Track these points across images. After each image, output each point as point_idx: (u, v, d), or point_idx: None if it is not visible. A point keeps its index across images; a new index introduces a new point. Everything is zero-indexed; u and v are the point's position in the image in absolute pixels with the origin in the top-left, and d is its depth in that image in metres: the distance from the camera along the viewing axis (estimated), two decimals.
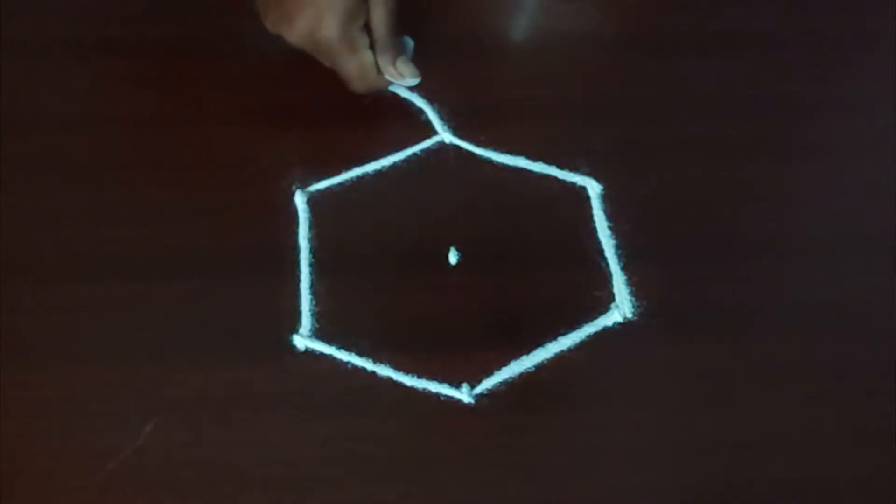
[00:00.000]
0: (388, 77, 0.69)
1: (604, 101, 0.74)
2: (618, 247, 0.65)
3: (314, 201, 0.66)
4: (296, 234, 0.64)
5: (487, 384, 0.58)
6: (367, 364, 0.58)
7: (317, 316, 0.60)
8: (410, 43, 0.72)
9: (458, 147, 0.70)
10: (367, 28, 0.67)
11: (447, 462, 0.55)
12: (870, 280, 0.65)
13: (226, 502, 0.54)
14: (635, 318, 0.62)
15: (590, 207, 0.67)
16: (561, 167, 0.69)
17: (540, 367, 0.59)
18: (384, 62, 0.69)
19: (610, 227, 0.66)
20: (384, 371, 0.58)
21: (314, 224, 0.65)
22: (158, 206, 0.65)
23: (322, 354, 0.59)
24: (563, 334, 0.60)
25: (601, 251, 0.65)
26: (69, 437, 0.55)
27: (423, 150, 0.69)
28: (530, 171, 0.69)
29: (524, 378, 0.59)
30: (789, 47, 0.79)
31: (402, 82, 0.70)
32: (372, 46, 0.68)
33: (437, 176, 0.68)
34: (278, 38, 0.67)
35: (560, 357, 0.60)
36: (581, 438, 0.58)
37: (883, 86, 0.77)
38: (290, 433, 0.56)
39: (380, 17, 0.67)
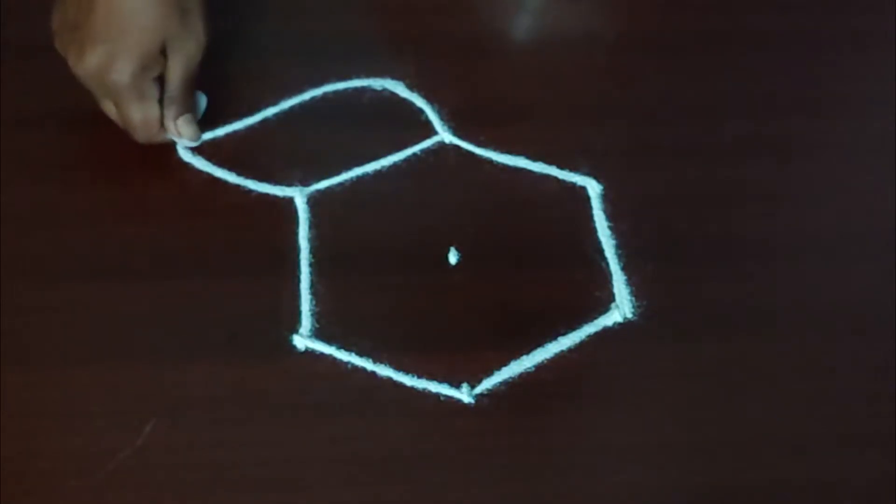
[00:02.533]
0: (168, 134, 0.66)
1: (604, 101, 0.74)
2: (618, 247, 0.65)
3: (314, 201, 0.66)
4: (296, 234, 0.64)
5: (487, 384, 0.58)
6: (367, 364, 0.58)
7: (317, 316, 0.60)
8: (203, 101, 0.68)
9: (458, 147, 0.70)
10: (161, 79, 0.64)
11: (447, 462, 0.55)
12: (870, 280, 0.65)
13: (226, 502, 0.54)
14: (635, 318, 0.62)
15: (590, 207, 0.67)
16: (561, 167, 0.69)
17: (540, 367, 0.59)
18: (168, 117, 0.65)
19: (610, 227, 0.66)
20: (384, 371, 0.58)
21: (314, 224, 0.65)
22: (159, 207, 0.65)
23: (322, 354, 0.59)
24: (563, 334, 0.60)
25: (601, 251, 0.65)
26: (69, 437, 0.55)
27: (423, 150, 0.69)
28: (530, 171, 0.69)
29: (524, 378, 0.59)
30: (789, 47, 0.79)
31: (180, 142, 0.67)
32: (161, 98, 0.65)
33: (437, 176, 0.68)
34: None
35: (560, 357, 0.60)
36: (581, 438, 0.58)
37: (883, 86, 0.77)
38: (289, 433, 0.56)
39: (176, 73, 0.64)
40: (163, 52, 0.63)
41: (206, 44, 0.64)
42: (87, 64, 0.63)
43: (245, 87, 0.72)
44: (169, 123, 0.65)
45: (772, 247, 0.66)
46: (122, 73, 0.62)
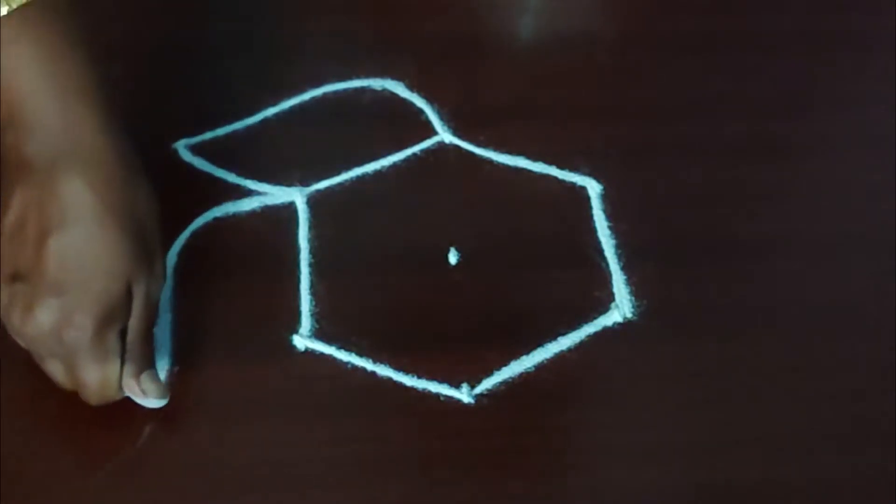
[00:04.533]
0: (128, 393, 0.55)
1: (604, 101, 0.74)
2: (618, 247, 0.65)
3: (314, 201, 0.66)
4: (296, 234, 0.64)
5: (487, 384, 0.58)
6: (367, 364, 0.58)
7: (317, 316, 0.60)
8: (168, 340, 0.59)
9: (457, 147, 0.70)
10: (123, 333, 0.54)
11: (447, 462, 0.55)
12: (870, 280, 0.65)
13: (226, 502, 0.54)
14: (635, 318, 0.62)
15: (590, 207, 0.67)
16: (561, 167, 0.69)
17: (540, 367, 0.59)
18: (127, 374, 0.54)
19: (610, 227, 0.66)
20: (384, 371, 0.58)
21: (314, 224, 0.65)
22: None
23: (322, 354, 0.59)
24: (563, 334, 0.60)
25: (601, 251, 0.65)
26: (69, 437, 0.55)
27: (423, 150, 0.69)
28: (530, 171, 0.69)
29: (524, 378, 0.59)
30: (789, 47, 0.79)
31: (145, 402, 0.55)
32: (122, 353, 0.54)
33: (437, 176, 0.68)
34: None
35: (560, 357, 0.60)
36: (581, 438, 0.58)
37: (883, 86, 0.77)
38: (289, 433, 0.56)
39: (137, 319, 0.54)
40: (128, 299, 0.53)
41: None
42: (38, 323, 0.51)
43: (245, 87, 0.72)
44: (129, 382, 0.54)
45: (772, 247, 0.66)
46: (84, 329, 0.51)
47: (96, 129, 0.52)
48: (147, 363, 0.55)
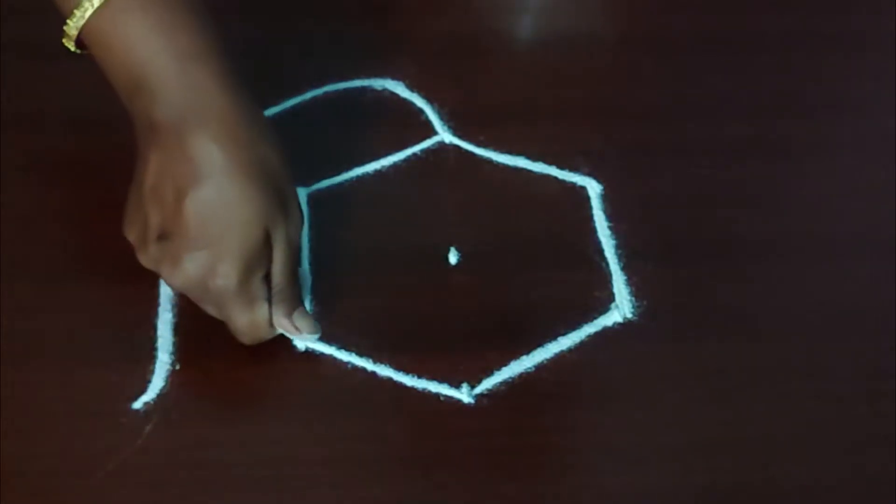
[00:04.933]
0: (283, 332, 0.58)
1: (604, 101, 0.74)
2: (618, 247, 0.65)
3: (314, 201, 0.66)
4: None
5: (487, 384, 0.58)
6: (367, 364, 0.58)
7: (317, 316, 0.60)
8: (308, 277, 0.62)
9: (457, 147, 0.70)
10: (268, 276, 0.57)
11: (447, 462, 0.55)
12: (870, 280, 0.65)
13: (226, 502, 0.54)
14: (635, 318, 0.62)
15: (590, 207, 0.67)
16: (561, 167, 0.69)
17: (540, 367, 0.59)
18: (279, 315, 0.57)
19: (610, 227, 0.66)
20: (384, 371, 0.58)
21: (314, 224, 0.65)
22: None
23: (322, 354, 0.59)
24: (563, 334, 0.60)
25: (601, 251, 0.65)
26: (69, 437, 0.55)
27: (423, 150, 0.69)
28: (530, 171, 0.69)
29: (524, 378, 0.59)
30: (789, 47, 0.79)
31: (300, 339, 0.58)
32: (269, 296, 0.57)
33: (437, 176, 0.68)
34: None
35: (560, 357, 0.60)
36: (581, 438, 0.58)
37: (883, 86, 0.77)
38: (289, 433, 0.56)
39: (282, 265, 0.57)
40: (268, 245, 0.56)
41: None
42: (187, 274, 0.55)
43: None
44: (283, 321, 0.57)
45: (772, 247, 0.66)
46: (228, 278, 0.55)
47: (216, 88, 0.55)
48: (296, 303, 0.58)
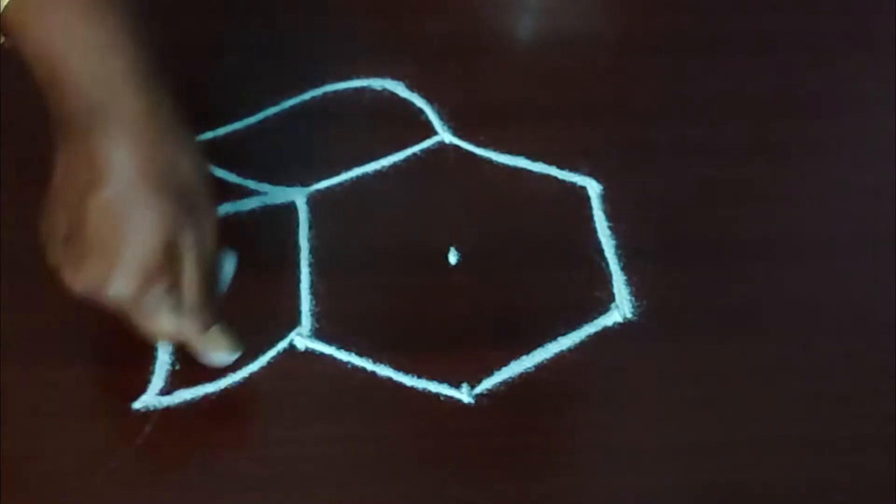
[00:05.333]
0: (196, 351, 0.56)
1: (604, 101, 0.74)
2: (618, 247, 0.65)
3: (314, 201, 0.66)
4: (296, 233, 0.64)
5: (487, 384, 0.58)
6: (367, 364, 0.58)
7: (317, 316, 0.60)
8: (232, 262, 0.58)
9: (457, 147, 0.70)
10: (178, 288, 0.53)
11: (447, 462, 0.55)
12: (870, 280, 0.65)
13: (226, 502, 0.54)
14: (635, 318, 0.62)
15: (590, 207, 0.67)
16: (561, 167, 0.69)
17: (540, 367, 0.59)
18: (191, 331, 0.54)
19: (610, 227, 0.66)
20: (384, 371, 0.58)
21: (314, 224, 0.65)
22: None
23: (322, 354, 0.59)
24: (563, 334, 0.60)
25: (601, 251, 0.65)
26: (69, 437, 0.55)
27: (423, 150, 0.69)
28: (530, 171, 0.69)
29: (524, 378, 0.59)
30: (789, 47, 0.79)
31: (213, 358, 0.56)
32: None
33: (437, 176, 0.68)
34: None
35: (560, 357, 0.60)
36: (581, 438, 0.58)
37: (883, 86, 0.77)
38: (289, 433, 0.56)
39: (190, 276, 0.53)
40: (173, 255, 0.52)
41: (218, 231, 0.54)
42: (82, 282, 0.52)
43: (245, 87, 0.72)
44: (193, 339, 0.55)
45: (772, 247, 0.66)
46: (121, 288, 0.52)
47: (132, 86, 0.52)
48: (209, 318, 0.54)
